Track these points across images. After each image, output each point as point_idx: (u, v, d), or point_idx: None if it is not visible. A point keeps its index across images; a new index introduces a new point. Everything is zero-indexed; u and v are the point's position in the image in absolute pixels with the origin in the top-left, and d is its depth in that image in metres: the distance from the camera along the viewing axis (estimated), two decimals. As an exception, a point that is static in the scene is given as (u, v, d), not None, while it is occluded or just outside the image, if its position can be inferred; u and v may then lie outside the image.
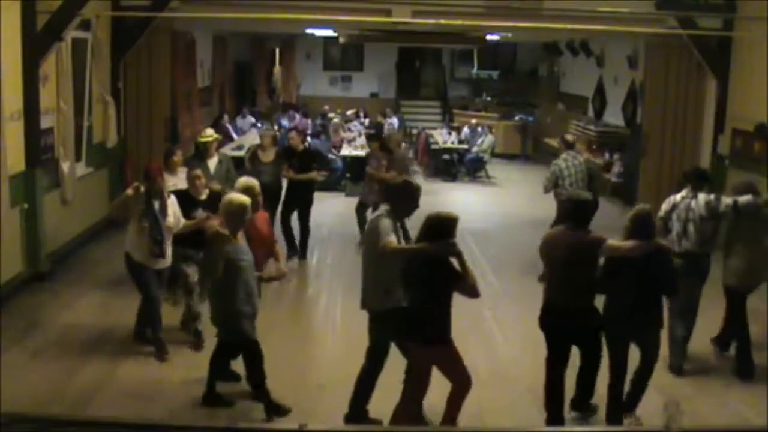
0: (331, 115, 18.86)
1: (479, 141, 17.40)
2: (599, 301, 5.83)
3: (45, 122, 9.05)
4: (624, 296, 5.70)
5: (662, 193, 9.12)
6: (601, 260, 5.81)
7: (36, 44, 8.67)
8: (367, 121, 19.49)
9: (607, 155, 15.33)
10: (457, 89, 24.28)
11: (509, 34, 15.31)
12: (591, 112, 17.72)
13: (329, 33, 17.02)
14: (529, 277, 9.56)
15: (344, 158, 15.36)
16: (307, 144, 13.99)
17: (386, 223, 5.50)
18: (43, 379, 6.49)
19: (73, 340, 7.34)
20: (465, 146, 17.48)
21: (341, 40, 16.79)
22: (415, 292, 5.40)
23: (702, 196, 6.98)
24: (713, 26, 11.43)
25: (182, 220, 6.99)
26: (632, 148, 13.67)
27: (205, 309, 7.09)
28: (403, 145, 16.40)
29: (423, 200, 5.76)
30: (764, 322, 7.60)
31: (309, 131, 17.20)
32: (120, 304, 8.01)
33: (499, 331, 8.00)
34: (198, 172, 7.48)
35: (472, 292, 5.36)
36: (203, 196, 7.33)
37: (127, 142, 11.66)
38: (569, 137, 10.51)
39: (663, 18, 11.36)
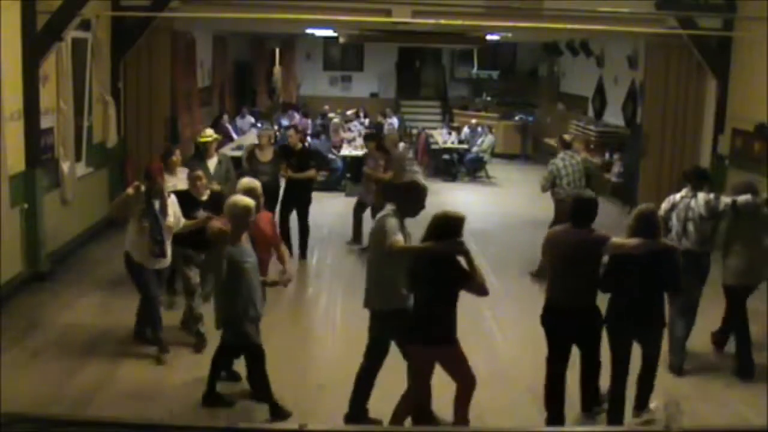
0: (331, 115, 18.87)
1: (479, 141, 17.40)
2: (601, 301, 5.83)
3: (45, 122, 9.06)
4: (627, 294, 5.71)
5: (662, 193, 9.11)
6: (605, 258, 5.82)
7: (36, 44, 8.67)
8: (367, 121, 19.49)
9: (607, 155, 15.33)
10: (457, 89, 24.27)
11: (509, 34, 15.31)
12: (591, 112, 17.72)
13: (329, 33, 17.02)
14: (529, 277, 9.59)
15: (344, 158, 15.36)
16: (306, 144, 14.01)
17: (392, 222, 5.50)
18: (43, 379, 6.49)
19: (73, 340, 7.34)
20: (465, 146, 17.48)
21: (341, 40, 16.79)
22: (422, 291, 5.40)
23: (702, 196, 7.00)
24: (713, 26, 11.44)
25: (182, 220, 6.99)
26: (632, 148, 13.67)
27: (206, 310, 7.11)
28: (403, 144, 16.43)
29: (423, 200, 5.77)
30: (764, 322, 7.60)
31: (309, 131, 17.21)
32: (120, 304, 8.01)
33: (499, 331, 8.00)
34: (199, 172, 7.47)
35: (481, 290, 5.36)
36: (204, 197, 7.32)
37: (127, 142, 11.66)
38: (567, 137, 10.53)
39: (663, 18, 11.36)
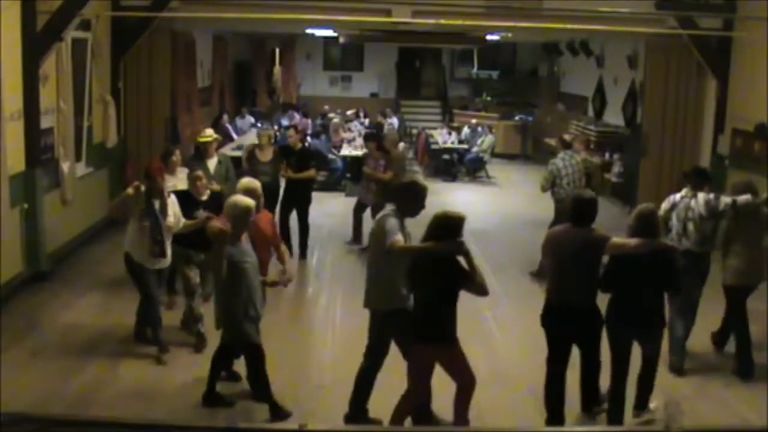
0: (331, 115, 18.86)
1: (479, 141, 17.40)
2: (601, 301, 5.83)
3: (45, 122, 9.06)
4: (628, 294, 5.72)
5: (662, 193, 9.11)
6: (605, 258, 5.82)
7: (36, 44, 8.67)
8: (367, 121, 19.49)
9: (607, 155, 15.33)
10: (457, 89, 24.27)
11: (509, 34, 15.31)
12: (591, 112, 17.72)
13: (329, 33, 17.01)
14: (529, 276, 9.59)
15: (344, 158, 15.36)
16: (306, 144, 14.01)
17: (393, 222, 5.50)
18: (43, 379, 6.49)
19: (73, 340, 7.34)
20: (465, 146, 17.48)
21: (341, 40, 16.80)
22: (422, 291, 5.40)
23: (702, 196, 7.01)
24: (713, 26, 11.44)
25: (182, 220, 6.98)
26: (632, 148, 13.67)
27: (206, 311, 7.12)
28: (403, 144, 16.43)
29: (423, 200, 5.76)
30: (764, 322, 7.60)
31: (309, 131, 17.21)
32: (120, 304, 8.01)
33: (499, 331, 8.00)
34: (200, 173, 7.47)
35: (481, 290, 5.36)
36: (204, 197, 7.31)
37: (127, 142, 11.67)
38: (567, 137, 10.54)
39: (663, 18, 11.36)
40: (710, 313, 7.41)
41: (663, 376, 6.52)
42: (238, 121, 18.02)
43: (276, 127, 16.86)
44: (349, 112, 19.79)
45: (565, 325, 5.78)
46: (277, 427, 4.95)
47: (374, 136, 11.27)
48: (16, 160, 8.38)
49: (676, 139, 12.00)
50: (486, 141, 17.31)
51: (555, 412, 5.81)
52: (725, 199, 6.97)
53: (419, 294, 5.44)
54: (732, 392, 6.67)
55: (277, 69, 23.13)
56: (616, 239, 5.75)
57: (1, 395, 5.42)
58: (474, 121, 18.82)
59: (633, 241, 5.71)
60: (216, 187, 7.73)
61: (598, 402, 5.99)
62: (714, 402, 6.50)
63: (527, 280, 9.53)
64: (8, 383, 5.96)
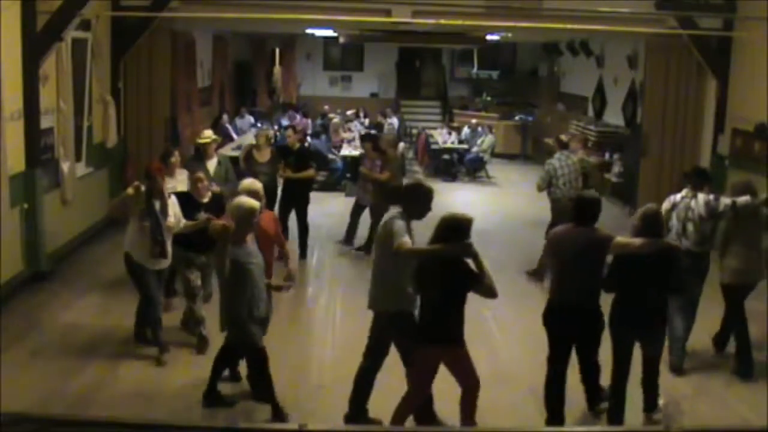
0: (331, 115, 18.86)
1: (479, 141, 17.40)
2: (605, 301, 5.83)
3: (45, 122, 9.06)
4: (631, 294, 5.72)
5: (662, 193, 9.12)
6: (609, 258, 5.82)
7: (36, 44, 8.67)
8: (367, 121, 19.50)
9: (607, 155, 15.33)
10: (457, 89, 24.26)
11: (509, 34, 15.31)
12: (591, 112, 17.72)
13: (329, 33, 17.01)
14: (526, 276, 9.59)
15: (344, 158, 15.36)
16: (306, 144, 14.00)
17: (400, 224, 5.48)
18: (43, 379, 6.49)
19: (73, 340, 7.34)
20: (465, 146, 17.48)
21: (341, 40, 16.79)
22: (430, 293, 5.39)
23: (702, 196, 7.02)
24: (713, 26, 11.44)
25: (183, 221, 6.97)
26: (632, 148, 13.67)
27: (207, 312, 7.12)
28: (403, 144, 16.43)
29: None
30: (764, 322, 7.60)
31: (309, 131, 17.21)
32: (120, 304, 8.01)
33: (499, 331, 8.00)
34: (201, 174, 7.44)
35: (490, 292, 5.35)
36: (206, 199, 7.28)
37: (127, 142, 11.66)
38: (563, 137, 10.55)
39: (663, 18, 11.36)
40: (710, 314, 7.41)
41: (663, 376, 6.49)
42: (238, 121, 18.02)
43: (276, 127, 16.87)
44: (349, 112, 19.79)
45: (567, 324, 5.77)
46: (277, 427, 4.95)
47: (370, 137, 11.28)
48: (16, 160, 8.38)
49: (676, 139, 12.00)
50: (486, 141, 17.31)
51: (555, 412, 5.81)
52: (725, 201, 6.98)
53: (426, 296, 5.42)
54: (732, 392, 6.67)
55: (277, 69, 23.13)
56: (621, 239, 5.75)
57: (1, 395, 5.42)
58: (474, 121, 18.82)
59: (637, 241, 5.72)
60: (216, 189, 7.69)
61: (600, 399, 6.00)
62: (714, 402, 6.50)
63: (527, 280, 9.53)
64: (8, 383, 5.96)
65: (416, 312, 5.57)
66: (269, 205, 9.21)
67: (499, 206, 14.38)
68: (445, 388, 5.65)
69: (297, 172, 10.02)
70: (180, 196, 7.17)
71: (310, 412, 6.01)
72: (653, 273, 5.69)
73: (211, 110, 17.51)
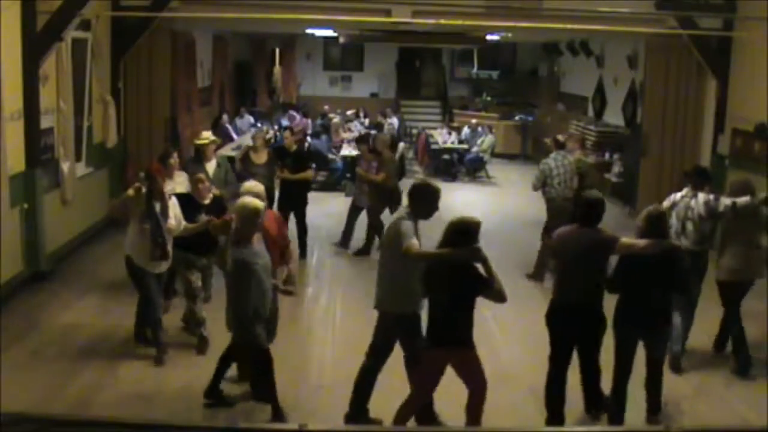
0: (331, 115, 18.86)
1: (479, 141, 17.40)
2: (609, 301, 5.82)
3: (45, 122, 9.06)
4: (636, 294, 5.72)
5: (662, 193, 9.11)
6: (614, 259, 5.82)
7: (36, 44, 8.67)
8: (367, 121, 19.49)
9: (606, 155, 15.33)
10: (457, 89, 24.26)
11: (509, 34, 15.31)
12: (591, 112, 17.72)
13: (329, 33, 17.01)
14: (526, 278, 9.59)
15: (344, 158, 15.36)
16: (306, 144, 14.00)
17: (408, 225, 5.47)
18: (43, 379, 6.49)
19: (73, 340, 7.34)
20: (465, 146, 17.48)
21: (341, 40, 16.78)
22: (439, 296, 5.37)
23: (701, 196, 7.04)
24: (713, 26, 11.44)
25: (183, 222, 6.94)
26: (632, 148, 13.67)
27: (208, 313, 7.12)
28: (402, 144, 16.43)
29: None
30: (764, 321, 7.60)
31: (309, 131, 17.20)
32: (120, 304, 8.01)
33: (499, 331, 7.99)
34: (201, 176, 7.42)
35: (499, 297, 5.35)
36: (207, 201, 7.25)
37: (127, 142, 11.66)
38: (560, 137, 10.55)
39: (663, 18, 11.36)
40: (710, 314, 7.41)
41: (663, 375, 6.51)
42: (238, 122, 18.01)
43: (276, 128, 16.86)
44: (349, 112, 19.79)
45: (568, 325, 5.77)
46: (277, 427, 4.95)
47: (366, 138, 11.29)
48: (16, 160, 8.38)
49: (676, 139, 12.00)
50: (486, 141, 17.31)
51: (555, 412, 5.81)
52: (725, 201, 6.98)
53: (435, 298, 5.40)
54: (732, 392, 6.67)
55: (277, 69, 23.13)
56: (625, 239, 5.76)
57: (1, 395, 5.42)
58: (474, 121, 18.82)
59: (642, 242, 5.73)
60: (217, 191, 7.66)
61: (601, 405, 5.97)
62: (714, 402, 6.51)
63: (527, 280, 9.54)
64: (8, 383, 5.96)
65: (422, 312, 5.56)
66: (267, 206, 9.19)
67: (499, 206, 14.38)
68: (446, 389, 5.64)
69: (295, 174, 10.00)
70: (181, 197, 7.13)
71: (310, 412, 6.01)
72: (657, 273, 5.69)
73: (211, 110, 17.51)
